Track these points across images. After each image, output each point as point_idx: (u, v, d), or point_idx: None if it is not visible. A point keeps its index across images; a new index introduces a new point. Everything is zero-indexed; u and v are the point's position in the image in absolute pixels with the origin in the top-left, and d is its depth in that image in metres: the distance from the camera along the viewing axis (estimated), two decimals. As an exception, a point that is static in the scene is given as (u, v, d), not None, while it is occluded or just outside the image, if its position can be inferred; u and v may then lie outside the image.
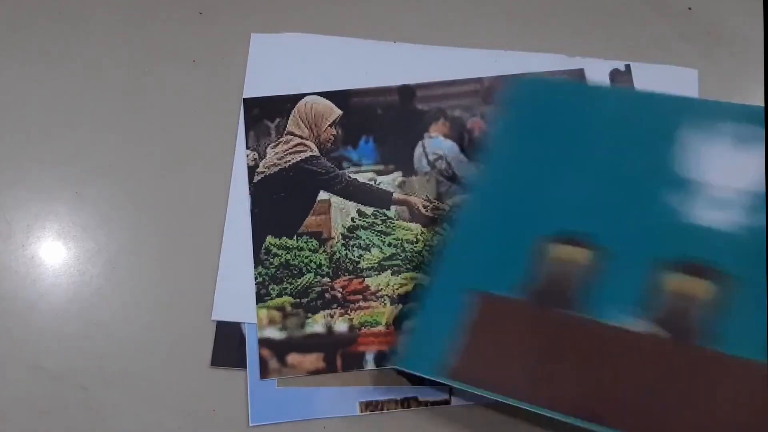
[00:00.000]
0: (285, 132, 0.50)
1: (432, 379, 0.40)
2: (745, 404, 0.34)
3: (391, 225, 0.49)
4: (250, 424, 0.45)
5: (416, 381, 0.45)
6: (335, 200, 0.49)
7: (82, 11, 0.53)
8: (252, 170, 0.50)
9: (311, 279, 0.47)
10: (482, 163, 0.44)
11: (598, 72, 0.52)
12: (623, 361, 0.37)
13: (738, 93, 0.52)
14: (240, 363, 0.46)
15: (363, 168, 0.50)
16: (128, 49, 0.52)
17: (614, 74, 0.52)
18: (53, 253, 0.48)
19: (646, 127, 0.42)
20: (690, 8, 0.54)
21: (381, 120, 0.51)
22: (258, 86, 0.51)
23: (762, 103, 0.52)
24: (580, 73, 0.52)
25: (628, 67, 0.52)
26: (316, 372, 0.46)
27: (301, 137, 0.51)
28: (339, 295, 0.47)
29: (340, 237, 0.48)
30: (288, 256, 0.48)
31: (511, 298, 0.40)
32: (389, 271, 0.48)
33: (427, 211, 0.49)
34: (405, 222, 0.49)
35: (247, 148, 0.50)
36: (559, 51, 0.52)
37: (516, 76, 0.52)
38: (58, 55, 0.51)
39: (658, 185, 0.40)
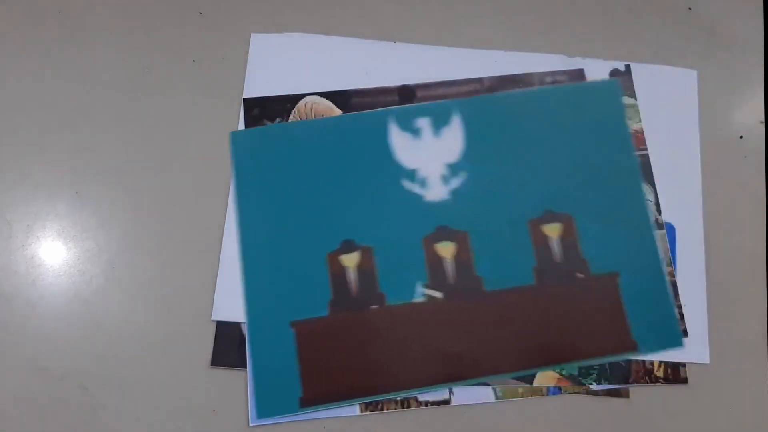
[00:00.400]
0: (285, 132, 0.50)
1: (292, 415, 0.45)
2: (518, 324, 0.46)
3: (391, 225, 0.49)
4: (250, 424, 0.45)
5: (416, 381, 0.46)
6: (335, 200, 0.49)
7: (82, 11, 0.53)
8: (252, 170, 0.50)
9: (311, 279, 0.47)
10: (241, 210, 0.48)
11: (598, 72, 0.52)
12: (421, 328, 0.46)
13: (738, 93, 0.52)
14: (240, 363, 0.46)
15: (362, 168, 0.51)
16: (128, 49, 0.52)
17: (614, 74, 0.52)
18: (53, 253, 0.48)
19: (359, 139, 0.50)
20: (690, 8, 0.54)
21: (380, 120, 0.51)
22: (258, 86, 0.51)
23: (761, 103, 0.52)
24: (580, 73, 0.52)
25: (628, 67, 0.52)
26: (316, 372, 0.46)
27: (301, 137, 0.50)
28: (338, 295, 0.47)
29: (340, 237, 0.48)
30: (288, 256, 0.48)
31: (318, 318, 0.46)
32: (388, 271, 0.48)
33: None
34: (404, 222, 0.49)
35: (247, 148, 0.50)
36: (559, 51, 0.52)
37: (516, 76, 0.52)
38: (58, 54, 0.51)
39: (392, 181, 0.48)
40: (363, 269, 0.47)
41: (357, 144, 0.49)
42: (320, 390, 0.45)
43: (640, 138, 0.50)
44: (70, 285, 0.47)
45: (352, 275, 0.47)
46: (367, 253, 0.47)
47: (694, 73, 0.52)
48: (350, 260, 0.47)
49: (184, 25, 0.52)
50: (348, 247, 0.47)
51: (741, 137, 0.51)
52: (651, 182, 0.49)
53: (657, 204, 0.49)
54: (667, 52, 0.52)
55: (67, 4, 0.53)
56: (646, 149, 0.50)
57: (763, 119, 0.51)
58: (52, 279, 0.47)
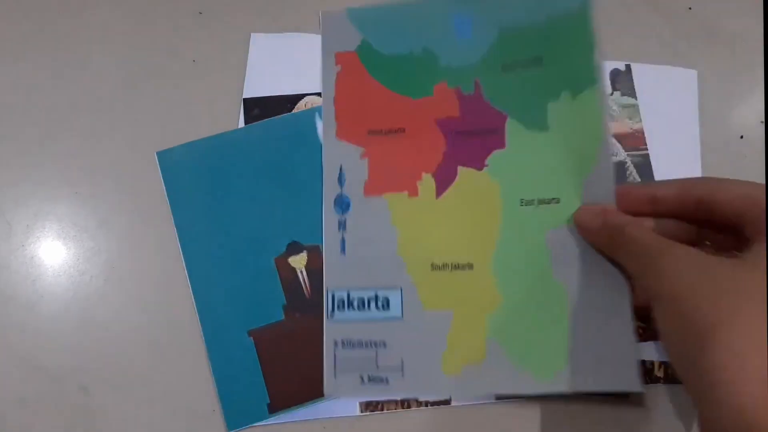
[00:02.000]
0: (285, 132, 0.50)
1: (262, 424, 0.45)
2: None
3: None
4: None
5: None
6: (335, 200, 0.49)
7: (81, 10, 0.53)
8: (252, 170, 0.50)
9: (311, 279, 0.47)
10: (180, 228, 0.48)
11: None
12: None
13: (738, 93, 0.52)
14: (240, 363, 0.46)
15: (361, 168, 0.51)
16: (128, 49, 0.52)
17: (615, 74, 0.52)
18: (53, 253, 0.48)
19: (289, 139, 0.49)
20: (690, 8, 0.54)
21: (380, 120, 0.51)
22: (258, 86, 0.51)
23: (762, 103, 0.52)
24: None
25: (628, 67, 0.52)
26: (316, 372, 0.46)
27: (301, 137, 0.50)
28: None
29: (340, 237, 0.48)
30: (287, 256, 0.48)
31: (275, 323, 0.46)
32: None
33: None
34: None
35: (247, 148, 0.50)
36: (559, 51, 0.52)
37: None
38: (57, 54, 0.51)
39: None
40: (313, 269, 0.47)
41: (288, 145, 0.49)
42: (287, 393, 0.45)
43: (639, 138, 0.50)
44: (69, 285, 0.47)
45: (303, 276, 0.47)
46: (314, 252, 0.47)
47: (694, 73, 0.52)
48: (299, 261, 0.47)
49: (183, 24, 0.52)
50: (295, 248, 0.47)
51: (741, 137, 0.51)
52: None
53: None
54: (667, 51, 0.52)
55: (67, 4, 0.53)
56: (646, 149, 0.50)
57: (763, 119, 0.51)
58: (51, 279, 0.47)
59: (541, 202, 0.46)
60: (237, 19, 0.53)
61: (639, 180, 0.50)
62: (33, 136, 0.50)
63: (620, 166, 0.50)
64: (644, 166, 0.50)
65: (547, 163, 0.46)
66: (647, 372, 0.46)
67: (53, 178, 0.49)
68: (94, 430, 0.45)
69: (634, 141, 0.50)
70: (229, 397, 0.45)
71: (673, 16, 0.54)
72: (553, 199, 0.45)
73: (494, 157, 0.47)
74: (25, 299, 0.47)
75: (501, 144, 0.47)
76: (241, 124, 0.50)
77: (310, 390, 0.45)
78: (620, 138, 0.50)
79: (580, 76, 0.46)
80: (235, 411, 0.44)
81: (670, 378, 0.46)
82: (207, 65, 0.51)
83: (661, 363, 0.46)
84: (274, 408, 0.44)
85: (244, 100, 0.51)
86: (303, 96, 0.51)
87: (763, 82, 0.52)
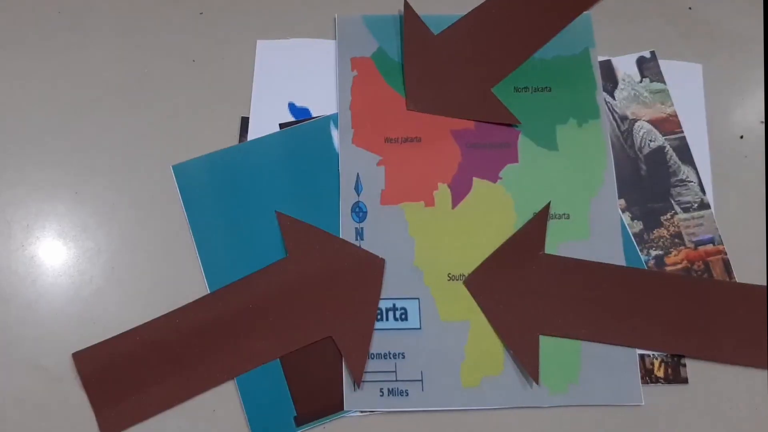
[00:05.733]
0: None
1: None
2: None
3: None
4: (250, 424, 0.45)
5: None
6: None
7: (82, 11, 0.53)
8: (252, 170, 0.50)
9: (311, 279, 0.47)
10: (199, 242, 0.47)
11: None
12: None
13: (738, 93, 0.52)
14: (240, 363, 0.46)
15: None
16: (128, 49, 0.52)
17: (641, 62, 0.52)
18: (53, 253, 0.48)
19: (305, 149, 0.49)
20: (690, 8, 0.54)
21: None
22: (265, 92, 0.51)
23: (762, 103, 0.52)
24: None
25: (653, 53, 0.52)
26: (316, 372, 0.46)
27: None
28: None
29: (340, 237, 0.48)
30: (288, 256, 0.48)
31: None
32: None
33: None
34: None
35: (247, 148, 0.50)
36: (559, 51, 0.52)
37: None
38: (58, 54, 0.51)
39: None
40: None
41: (304, 155, 0.49)
42: (314, 405, 0.44)
43: (674, 122, 0.50)
44: (70, 285, 0.47)
45: None
46: None
47: (699, 67, 0.52)
48: None
49: (183, 24, 0.52)
50: None
51: (741, 137, 0.51)
52: (692, 164, 0.49)
53: (700, 184, 0.49)
54: (667, 51, 0.52)
55: (67, 4, 0.53)
56: (682, 132, 0.50)
57: (763, 119, 0.51)
58: (51, 279, 0.47)
59: (553, 216, 0.47)
60: (237, 18, 0.53)
61: (679, 164, 0.50)
62: (33, 137, 0.50)
63: (659, 151, 0.50)
64: (682, 149, 0.50)
65: (557, 181, 0.48)
66: (647, 372, 0.46)
67: (53, 179, 0.49)
68: (94, 429, 0.44)
69: (670, 125, 0.51)
70: (255, 410, 0.44)
71: (673, 16, 0.54)
72: (564, 214, 0.47)
73: (507, 171, 0.48)
74: (25, 299, 0.47)
75: (514, 158, 0.48)
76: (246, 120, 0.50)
77: (337, 401, 0.44)
78: (656, 123, 0.51)
79: (584, 109, 0.49)
80: (262, 425, 0.44)
81: (670, 378, 0.46)
82: (207, 64, 0.51)
83: (661, 362, 0.46)
84: (302, 421, 0.44)
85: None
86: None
87: (763, 83, 0.52)
